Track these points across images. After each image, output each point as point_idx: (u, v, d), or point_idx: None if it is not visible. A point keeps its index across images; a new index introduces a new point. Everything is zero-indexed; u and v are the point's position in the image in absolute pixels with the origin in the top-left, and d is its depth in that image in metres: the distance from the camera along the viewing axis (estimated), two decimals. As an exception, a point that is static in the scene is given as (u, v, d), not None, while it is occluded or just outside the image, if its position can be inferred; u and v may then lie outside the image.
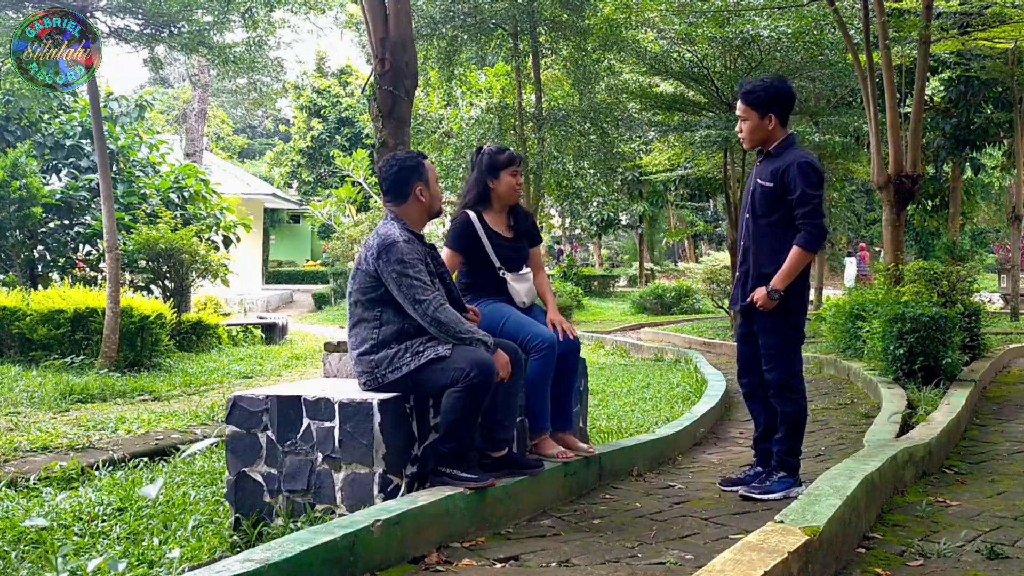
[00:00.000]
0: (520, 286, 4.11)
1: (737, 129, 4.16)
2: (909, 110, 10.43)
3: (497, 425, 3.62)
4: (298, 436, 3.40)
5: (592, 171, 18.09)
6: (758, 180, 4.03)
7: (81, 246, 13.04)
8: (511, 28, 14.57)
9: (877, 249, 27.67)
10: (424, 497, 3.16)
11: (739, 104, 4.07)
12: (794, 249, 3.85)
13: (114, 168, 12.87)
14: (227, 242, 14.10)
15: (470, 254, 4.11)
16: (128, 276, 12.03)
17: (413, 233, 3.64)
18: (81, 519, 3.64)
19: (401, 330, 3.51)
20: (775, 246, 3.91)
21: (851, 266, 25.87)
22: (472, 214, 4.11)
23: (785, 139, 4.01)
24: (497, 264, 4.07)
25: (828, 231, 4.22)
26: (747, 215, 4.08)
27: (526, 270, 4.18)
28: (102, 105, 10.86)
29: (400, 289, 3.46)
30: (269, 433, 3.44)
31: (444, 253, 4.03)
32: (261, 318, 16.07)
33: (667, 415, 6.37)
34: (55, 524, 3.52)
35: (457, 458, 3.42)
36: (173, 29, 9.55)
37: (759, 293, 3.92)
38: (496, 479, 3.46)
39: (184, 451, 4.96)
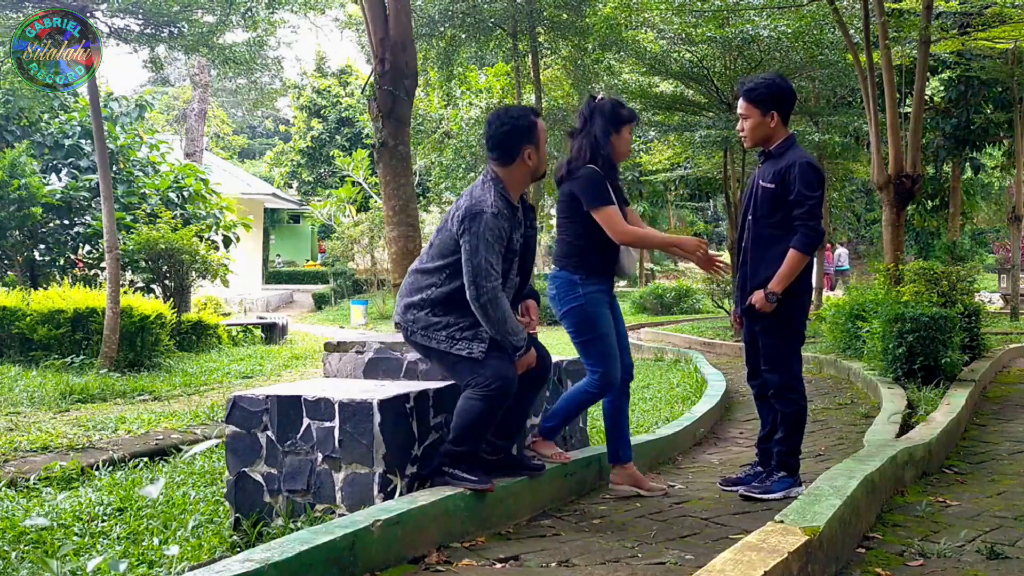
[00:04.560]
0: (634, 253, 3.99)
1: (738, 128, 4.13)
2: (909, 110, 10.43)
3: (502, 432, 3.61)
4: (298, 436, 3.39)
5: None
6: (760, 181, 4.01)
7: (81, 246, 13.05)
8: (510, 28, 14.56)
9: (843, 249, 27.59)
10: (424, 497, 3.16)
11: (740, 102, 4.05)
12: (790, 251, 3.83)
13: (114, 168, 12.87)
14: (227, 242, 14.11)
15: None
16: (128, 276, 12.03)
17: (508, 201, 3.48)
18: (81, 519, 3.64)
19: (453, 295, 3.42)
20: (775, 248, 3.90)
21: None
22: (599, 170, 3.82)
23: (786, 139, 4.00)
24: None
25: (826, 232, 4.20)
26: (748, 217, 4.06)
27: None
28: (102, 105, 10.86)
29: (468, 261, 3.35)
30: (269, 433, 3.44)
31: (607, 213, 3.74)
32: (261, 318, 16.07)
33: (667, 415, 6.37)
34: (55, 524, 3.52)
35: (463, 460, 3.41)
36: (173, 29, 9.55)
37: (757, 296, 3.91)
38: (493, 483, 3.44)
39: (186, 452, 4.96)
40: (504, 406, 3.40)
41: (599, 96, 4.05)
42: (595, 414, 6.33)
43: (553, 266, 4.04)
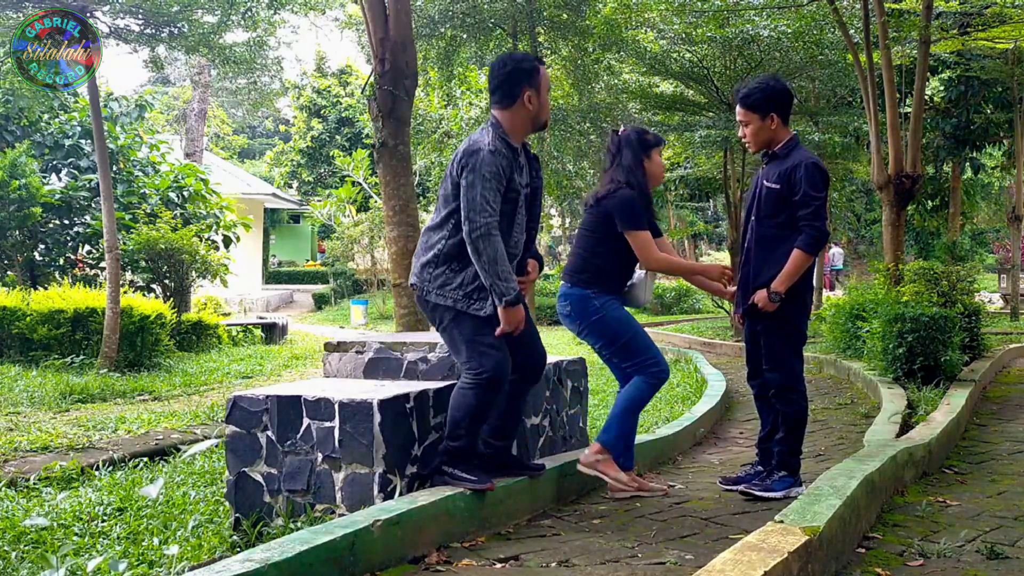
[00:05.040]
0: (650, 284, 4.09)
1: (740, 134, 4.13)
2: (909, 110, 10.43)
3: (499, 432, 3.59)
4: (298, 436, 3.39)
5: (592, 171, 18.10)
6: (764, 182, 4.01)
7: (81, 246, 13.05)
8: (510, 28, 14.54)
9: (837, 249, 27.56)
10: (424, 497, 3.16)
11: (739, 109, 4.06)
12: (795, 251, 3.85)
13: (114, 168, 12.87)
14: (227, 242, 14.11)
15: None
16: (128, 276, 12.03)
17: (507, 142, 3.45)
18: (81, 519, 3.64)
19: (463, 246, 3.38)
20: (779, 248, 3.91)
21: None
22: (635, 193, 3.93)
23: (790, 139, 4.01)
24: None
25: (830, 233, 4.21)
26: (752, 217, 4.06)
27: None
28: (102, 105, 10.86)
29: (464, 196, 3.34)
30: (269, 433, 3.44)
31: (642, 238, 3.85)
32: (261, 318, 16.07)
33: (667, 415, 6.37)
34: (55, 524, 3.52)
35: (460, 457, 3.40)
36: (173, 29, 9.56)
37: (760, 295, 3.92)
38: (493, 483, 3.44)
39: (185, 452, 4.96)
40: (495, 397, 3.39)
41: (621, 129, 4.10)
42: (595, 414, 6.33)
43: (562, 282, 4.06)
